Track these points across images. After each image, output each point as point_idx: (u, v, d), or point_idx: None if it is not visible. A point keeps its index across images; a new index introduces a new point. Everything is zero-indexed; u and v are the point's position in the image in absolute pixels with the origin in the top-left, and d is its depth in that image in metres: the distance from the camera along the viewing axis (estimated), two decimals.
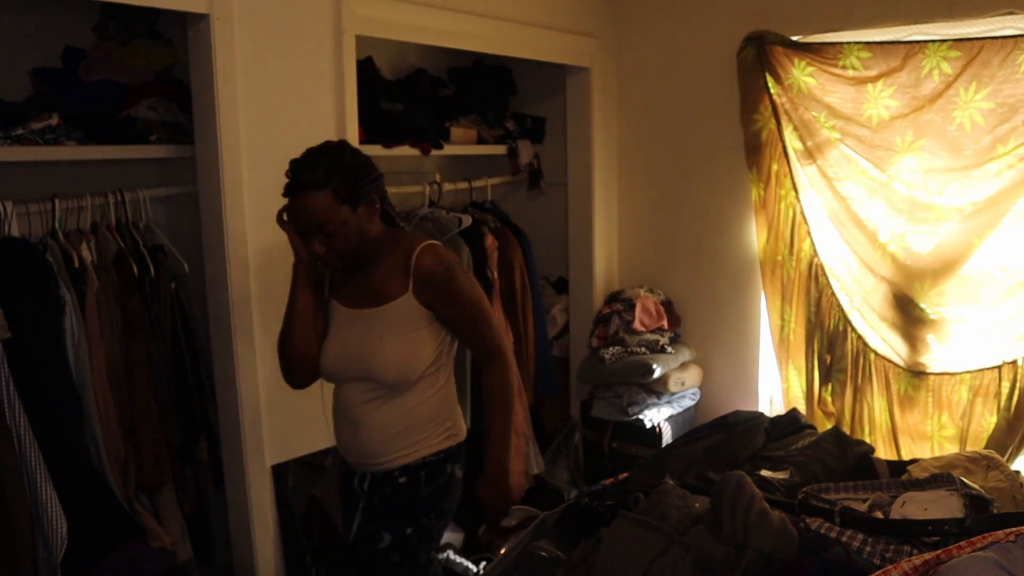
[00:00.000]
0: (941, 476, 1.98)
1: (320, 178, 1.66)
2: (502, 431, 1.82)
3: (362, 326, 1.77)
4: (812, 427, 2.69)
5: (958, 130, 2.52)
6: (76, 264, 2.03)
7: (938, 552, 1.50)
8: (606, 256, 3.45)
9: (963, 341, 2.63)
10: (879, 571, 1.52)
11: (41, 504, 1.78)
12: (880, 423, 2.82)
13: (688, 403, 3.22)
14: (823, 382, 2.95)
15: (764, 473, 2.22)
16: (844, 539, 1.79)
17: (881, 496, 2.00)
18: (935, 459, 2.27)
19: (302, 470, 2.34)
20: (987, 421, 2.59)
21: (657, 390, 3.09)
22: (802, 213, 2.90)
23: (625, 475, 2.43)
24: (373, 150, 2.73)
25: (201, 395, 2.35)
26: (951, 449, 2.66)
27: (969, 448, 2.60)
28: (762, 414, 2.77)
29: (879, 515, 1.91)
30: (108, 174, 2.33)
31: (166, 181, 2.47)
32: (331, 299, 1.86)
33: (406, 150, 2.85)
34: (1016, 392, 2.53)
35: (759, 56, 2.88)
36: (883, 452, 2.78)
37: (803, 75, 2.79)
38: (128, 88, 2.38)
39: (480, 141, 3.27)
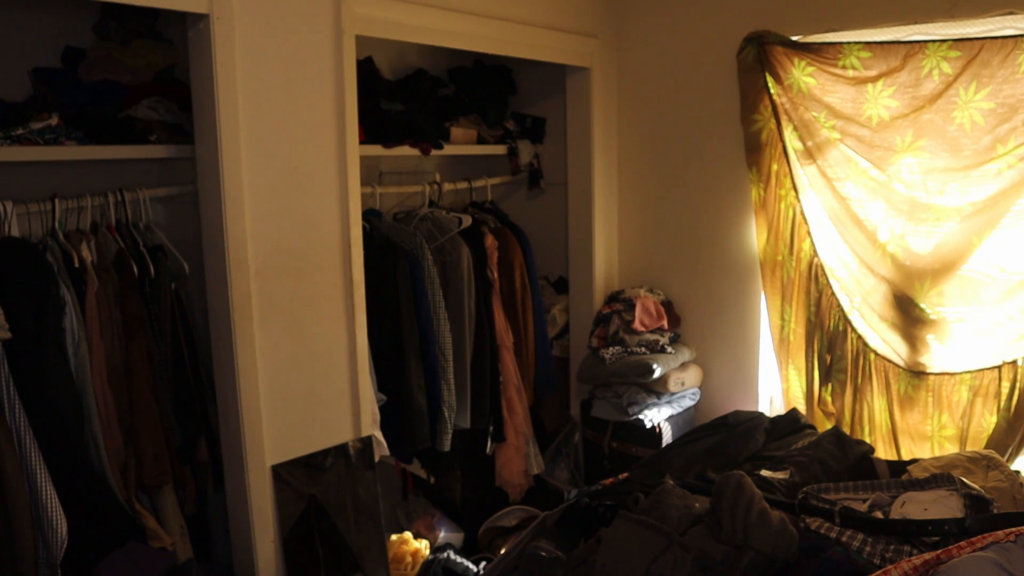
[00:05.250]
0: (941, 476, 1.98)
1: None
2: None
3: None
4: (812, 427, 2.69)
5: (958, 130, 2.52)
6: (76, 264, 2.04)
7: (938, 552, 1.50)
8: (606, 256, 3.45)
9: (963, 341, 2.63)
10: (879, 571, 1.52)
11: (41, 504, 1.78)
12: (880, 423, 2.82)
13: (688, 403, 3.22)
14: (823, 382, 2.95)
15: (764, 473, 2.22)
16: (844, 539, 1.79)
17: (881, 496, 2.01)
18: (935, 459, 2.27)
19: (302, 470, 2.34)
20: (987, 421, 2.59)
21: (657, 390, 3.09)
22: (802, 213, 2.90)
23: (625, 475, 2.43)
24: (373, 150, 2.73)
25: (201, 395, 2.35)
26: (951, 449, 2.66)
27: (969, 448, 2.60)
28: (762, 414, 2.78)
29: (879, 515, 1.91)
30: (108, 174, 2.33)
31: (166, 181, 2.47)
32: None
33: (406, 150, 2.85)
34: (1016, 392, 2.53)
35: (759, 56, 2.88)
36: (883, 452, 2.78)
37: (803, 75, 2.79)
38: (128, 88, 2.38)
39: (480, 141, 3.27)
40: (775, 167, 2.93)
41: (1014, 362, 2.53)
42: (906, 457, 2.74)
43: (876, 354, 2.81)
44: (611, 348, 3.15)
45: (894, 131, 2.64)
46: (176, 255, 2.34)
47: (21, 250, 1.92)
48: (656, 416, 3.04)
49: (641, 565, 1.72)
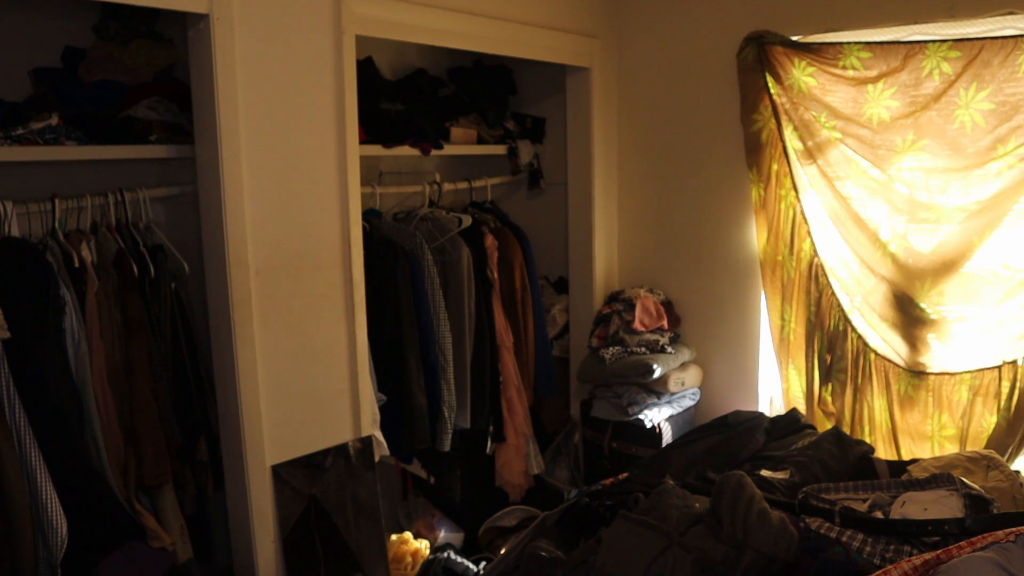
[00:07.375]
0: (941, 476, 1.98)
1: None
2: None
3: None
4: (812, 427, 2.69)
5: (959, 130, 2.52)
6: (76, 264, 2.03)
7: (938, 552, 1.50)
8: (606, 256, 3.45)
9: (963, 341, 2.63)
10: (879, 571, 1.52)
11: (41, 504, 1.78)
12: (880, 423, 2.82)
13: (688, 403, 3.22)
14: (823, 382, 2.95)
15: (764, 473, 2.22)
16: (844, 539, 1.79)
17: (881, 496, 2.01)
18: (935, 459, 2.27)
19: (302, 470, 2.34)
20: (987, 421, 2.59)
21: (657, 390, 3.09)
22: (802, 213, 2.90)
23: (625, 475, 2.43)
24: (373, 150, 2.73)
25: (201, 395, 2.35)
26: (951, 449, 2.66)
27: (969, 448, 2.60)
28: (762, 414, 2.78)
29: (879, 515, 1.91)
30: (108, 174, 2.33)
31: (166, 181, 2.47)
32: None
33: (406, 150, 2.85)
34: (1016, 392, 2.53)
35: (759, 56, 2.88)
36: (883, 452, 2.78)
37: (803, 75, 2.79)
38: (128, 88, 2.38)
39: (480, 141, 3.27)
40: (775, 167, 2.93)
41: (1014, 362, 2.53)
42: (906, 457, 2.74)
43: (876, 354, 2.81)
44: (611, 348, 3.15)
45: (895, 131, 2.64)
46: (176, 255, 2.34)
47: (21, 250, 1.92)
48: (656, 416, 3.04)
49: (641, 565, 1.72)
